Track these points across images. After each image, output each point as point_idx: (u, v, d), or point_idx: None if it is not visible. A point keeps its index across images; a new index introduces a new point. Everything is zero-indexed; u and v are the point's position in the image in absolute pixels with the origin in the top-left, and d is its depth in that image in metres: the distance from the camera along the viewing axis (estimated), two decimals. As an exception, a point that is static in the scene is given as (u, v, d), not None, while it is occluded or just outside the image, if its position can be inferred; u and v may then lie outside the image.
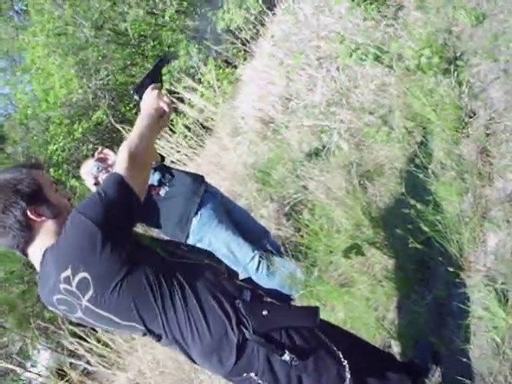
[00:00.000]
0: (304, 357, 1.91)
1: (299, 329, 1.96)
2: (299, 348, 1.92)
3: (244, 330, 1.87)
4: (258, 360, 1.89)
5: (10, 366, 7.23)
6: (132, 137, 1.96)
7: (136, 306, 1.87)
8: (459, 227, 2.71)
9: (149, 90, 2.17)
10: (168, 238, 3.45)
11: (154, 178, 3.53)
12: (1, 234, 1.88)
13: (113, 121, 7.84)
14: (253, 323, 1.87)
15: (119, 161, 1.90)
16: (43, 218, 1.89)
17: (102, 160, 3.52)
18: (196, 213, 3.53)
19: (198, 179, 3.72)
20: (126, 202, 1.86)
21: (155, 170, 3.56)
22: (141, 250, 1.93)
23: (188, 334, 1.90)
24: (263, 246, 3.68)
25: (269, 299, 2.05)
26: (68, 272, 1.81)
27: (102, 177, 3.46)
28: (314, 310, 1.99)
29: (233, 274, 2.16)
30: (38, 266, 1.93)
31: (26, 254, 1.96)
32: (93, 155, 3.68)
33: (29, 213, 1.86)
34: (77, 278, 1.80)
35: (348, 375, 1.97)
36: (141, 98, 2.20)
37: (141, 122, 2.04)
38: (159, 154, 3.83)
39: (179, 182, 3.60)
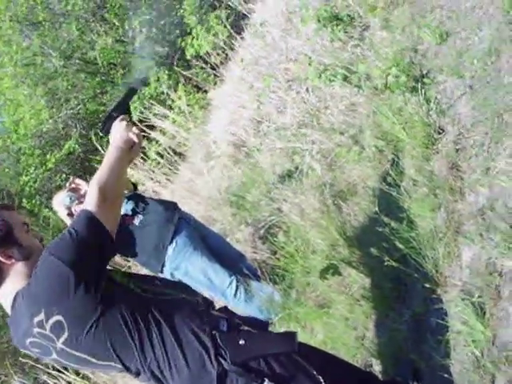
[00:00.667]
0: (285, 382, 1.89)
1: (277, 355, 1.93)
2: (278, 376, 1.89)
3: (222, 360, 1.85)
4: None
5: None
6: (101, 171, 1.95)
7: (112, 345, 1.84)
8: (434, 243, 2.72)
9: (117, 121, 2.14)
10: (142, 273, 3.43)
11: (128, 208, 3.50)
12: None
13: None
14: (230, 353, 1.85)
15: (89, 197, 1.89)
16: (13, 261, 1.86)
17: (74, 190, 3.48)
18: (171, 241, 3.50)
19: (171, 206, 3.70)
20: (97, 239, 1.85)
21: (128, 199, 3.53)
22: (115, 287, 1.90)
23: (166, 369, 1.87)
24: (240, 271, 3.66)
25: (246, 327, 2.02)
26: (41, 316, 1.78)
27: (75, 207, 3.42)
28: (292, 336, 1.98)
29: (209, 305, 2.13)
30: (8, 310, 1.89)
31: None
32: (65, 186, 3.63)
33: None
34: (50, 322, 1.77)
35: None
36: (108, 131, 2.17)
37: (110, 156, 2.02)
38: (132, 183, 3.81)
39: (153, 210, 3.57)
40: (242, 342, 1.88)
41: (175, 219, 3.58)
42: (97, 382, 5.23)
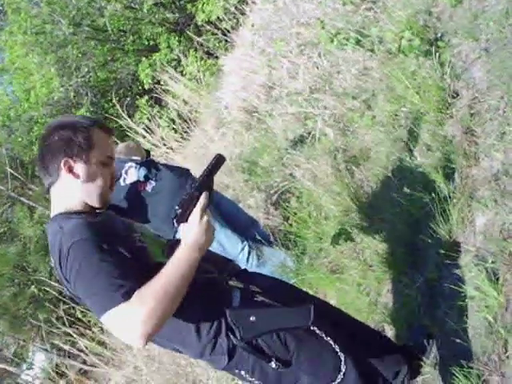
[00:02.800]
0: (293, 362, 1.90)
1: (292, 329, 1.92)
2: (289, 352, 1.90)
3: (232, 337, 1.85)
4: (248, 362, 1.88)
5: (8, 368, 7.20)
6: (154, 297, 1.59)
7: None
8: (447, 208, 2.70)
9: (197, 215, 1.74)
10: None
11: (140, 174, 3.51)
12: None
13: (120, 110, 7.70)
14: (240, 331, 1.84)
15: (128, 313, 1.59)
16: (71, 175, 1.85)
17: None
18: None
19: (184, 173, 3.70)
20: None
21: (141, 165, 3.54)
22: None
23: (179, 342, 1.89)
24: (252, 236, 3.67)
25: (260, 298, 1.98)
26: (52, 261, 1.81)
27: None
28: (308, 310, 1.91)
29: (228, 273, 2.06)
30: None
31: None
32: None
33: (61, 162, 1.83)
34: (57, 272, 1.80)
35: (344, 367, 1.95)
36: (183, 220, 1.74)
37: (176, 271, 1.66)
38: (145, 150, 3.82)
39: (165, 176, 3.57)
40: (252, 318, 1.85)
41: (188, 186, 3.58)
42: (112, 347, 5.32)
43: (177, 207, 1.73)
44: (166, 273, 1.64)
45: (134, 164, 3.56)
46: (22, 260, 8.43)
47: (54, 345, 6.40)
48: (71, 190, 1.86)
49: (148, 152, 3.81)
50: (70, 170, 1.83)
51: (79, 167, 1.84)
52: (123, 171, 3.54)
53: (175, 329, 1.86)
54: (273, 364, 1.87)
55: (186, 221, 1.72)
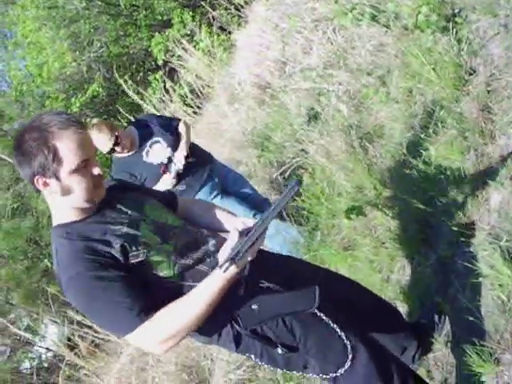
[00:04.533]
0: (300, 347, 1.89)
1: (297, 314, 1.90)
2: (295, 337, 1.89)
3: (236, 325, 1.85)
4: (255, 348, 1.88)
5: (23, 334, 7.27)
6: (172, 321, 1.71)
7: None
8: (462, 186, 2.68)
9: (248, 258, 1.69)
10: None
11: (166, 155, 3.52)
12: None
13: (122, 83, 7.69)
14: (242, 319, 1.84)
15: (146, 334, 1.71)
16: (48, 189, 1.79)
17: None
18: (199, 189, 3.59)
19: (205, 158, 3.72)
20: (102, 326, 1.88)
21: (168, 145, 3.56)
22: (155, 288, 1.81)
23: None
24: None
25: (266, 284, 1.94)
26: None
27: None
28: (312, 293, 1.87)
29: None
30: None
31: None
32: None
33: (35, 180, 1.77)
34: None
35: (350, 354, 1.94)
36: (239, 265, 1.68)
37: (204, 298, 1.71)
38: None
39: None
40: (254, 306, 1.84)
41: (204, 178, 3.60)
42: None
43: (234, 249, 1.64)
44: (190, 304, 1.71)
45: (161, 140, 3.54)
46: (34, 234, 8.51)
47: (66, 317, 6.46)
48: (55, 203, 1.83)
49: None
50: (46, 185, 1.77)
51: (53, 183, 1.76)
52: (148, 143, 3.52)
53: None
54: (279, 350, 1.86)
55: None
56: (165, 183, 3.49)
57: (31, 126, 1.77)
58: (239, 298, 1.85)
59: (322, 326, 1.93)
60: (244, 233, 1.69)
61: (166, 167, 3.50)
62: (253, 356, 1.92)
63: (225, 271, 1.65)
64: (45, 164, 1.73)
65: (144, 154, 3.53)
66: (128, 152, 3.54)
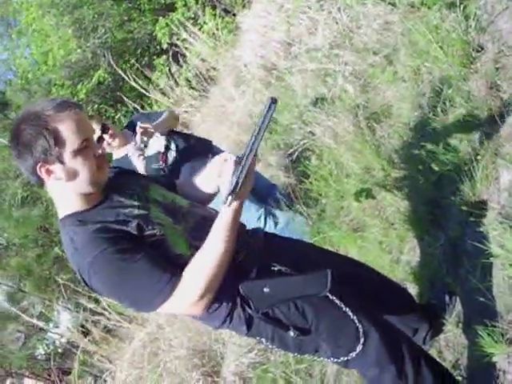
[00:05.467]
0: (312, 330, 1.88)
1: (308, 297, 1.89)
2: (307, 320, 1.87)
3: (247, 308, 1.85)
4: (266, 331, 1.88)
5: (36, 322, 7.33)
6: (198, 278, 1.73)
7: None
8: (471, 165, 2.65)
9: (248, 187, 1.73)
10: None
11: (161, 144, 3.48)
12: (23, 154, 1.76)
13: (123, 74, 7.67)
14: (254, 302, 1.83)
15: (179, 291, 1.72)
16: (53, 176, 1.77)
17: (145, 133, 3.41)
18: None
19: (205, 144, 3.66)
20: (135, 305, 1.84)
21: (162, 134, 3.50)
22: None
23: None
24: (273, 199, 3.66)
25: (277, 267, 1.94)
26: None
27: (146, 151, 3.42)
28: (324, 277, 1.87)
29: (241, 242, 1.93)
30: None
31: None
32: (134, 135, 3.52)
33: (37, 168, 1.75)
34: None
35: (362, 338, 1.93)
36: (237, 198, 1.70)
37: (220, 246, 1.73)
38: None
39: (186, 147, 3.53)
40: (266, 289, 1.83)
41: (207, 159, 3.53)
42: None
43: (232, 182, 1.66)
44: (207, 254, 1.73)
45: (157, 134, 3.51)
46: (44, 222, 8.53)
47: (78, 304, 6.51)
48: (61, 191, 1.81)
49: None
50: (49, 173, 1.75)
51: (57, 169, 1.75)
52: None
53: None
54: (291, 333, 1.85)
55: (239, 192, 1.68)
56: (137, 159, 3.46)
57: (26, 116, 1.76)
58: (250, 280, 1.86)
59: (334, 310, 1.92)
60: (237, 162, 1.70)
61: (164, 155, 3.48)
62: (263, 340, 1.91)
63: (229, 205, 1.68)
64: (47, 148, 1.71)
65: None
66: (119, 146, 3.52)
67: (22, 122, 1.75)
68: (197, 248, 1.78)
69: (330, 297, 1.91)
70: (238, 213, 1.73)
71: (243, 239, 1.93)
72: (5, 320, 7.94)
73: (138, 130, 3.34)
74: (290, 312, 1.87)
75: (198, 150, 3.54)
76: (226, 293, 1.83)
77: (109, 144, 3.46)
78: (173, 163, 3.46)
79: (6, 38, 12.98)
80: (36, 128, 1.71)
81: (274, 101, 1.66)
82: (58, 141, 1.72)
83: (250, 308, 1.84)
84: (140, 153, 3.36)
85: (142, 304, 1.78)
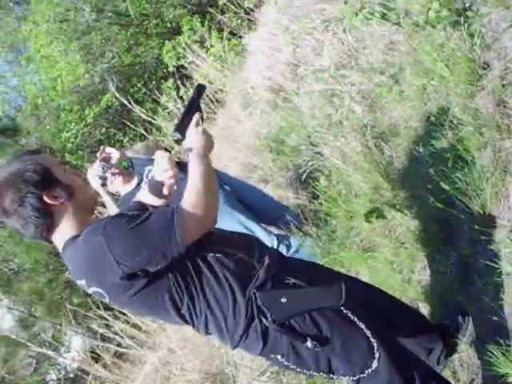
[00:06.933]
0: (328, 342, 1.87)
1: (323, 310, 1.90)
2: (323, 333, 1.87)
3: (264, 319, 1.84)
4: (282, 345, 1.87)
5: (46, 351, 7.32)
6: (194, 197, 1.86)
7: (155, 309, 1.91)
8: (480, 183, 2.65)
9: (192, 126, 2.01)
10: None
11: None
12: (23, 227, 1.87)
13: (125, 101, 7.76)
14: (271, 312, 1.83)
15: (188, 204, 1.83)
16: (60, 201, 1.87)
17: (106, 159, 3.38)
18: None
19: None
20: (162, 248, 1.79)
21: None
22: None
23: (213, 328, 1.89)
24: (283, 223, 3.64)
25: (292, 280, 1.96)
26: (83, 282, 1.83)
27: (110, 177, 3.37)
28: (338, 289, 1.91)
29: (252, 251, 2.03)
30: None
31: (50, 242, 1.95)
32: (96, 156, 3.52)
33: (45, 198, 1.84)
34: (91, 289, 1.83)
35: (377, 353, 1.92)
36: (183, 135, 2.02)
37: (197, 170, 1.92)
38: (164, 148, 3.78)
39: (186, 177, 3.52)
40: (283, 300, 1.85)
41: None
42: (146, 330, 5.37)
43: (174, 126, 2.05)
44: (191, 181, 1.90)
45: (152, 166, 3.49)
46: (54, 247, 8.56)
47: (89, 328, 6.49)
48: (65, 213, 1.90)
49: (167, 151, 3.76)
50: (54, 198, 1.87)
51: (58, 190, 1.89)
52: (144, 175, 3.48)
53: (211, 318, 1.87)
54: (308, 343, 1.84)
55: (184, 136, 2.00)
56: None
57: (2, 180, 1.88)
58: (267, 291, 1.88)
59: (348, 324, 1.93)
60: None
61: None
62: (279, 356, 1.90)
63: (178, 140, 2.02)
64: (43, 176, 1.86)
65: (143, 185, 3.50)
66: (124, 182, 3.52)
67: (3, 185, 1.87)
68: None
69: (344, 311, 1.93)
70: (199, 153, 1.95)
71: (260, 254, 2.00)
72: (16, 345, 7.93)
73: (99, 155, 3.34)
74: (305, 324, 1.87)
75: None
76: (242, 303, 1.85)
77: (111, 182, 3.46)
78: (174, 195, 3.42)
79: (16, 65, 13.13)
80: (17, 172, 1.86)
81: (201, 87, 2.19)
82: (46, 166, 1.89)
83: (267, 319, 1.84)
84: (101, 182, 3.29)
85: (167, 244, 1.77)
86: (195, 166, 1.92)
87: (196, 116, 2.04)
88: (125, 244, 1.75)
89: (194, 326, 1.92)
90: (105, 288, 1.80)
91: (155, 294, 1.83)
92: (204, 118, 2.15)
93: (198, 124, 2.02)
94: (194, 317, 1.88)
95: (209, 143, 1.99)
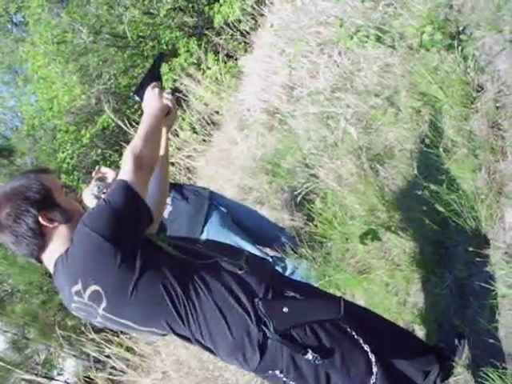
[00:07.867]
0: (328, 355, 1.86)
1: (323, 323, 1.90)
2: (323, 345, 1.87)
3: (265, 329, 1.83)
4: (282, 358, 1.85)
5: (37, 379, 7.24)
6: (135, 140, 1.94)
7: (153, 312, 1.85)
8: (475, 205, 2.65)
9: (149, 89, 2.19)
10: (182, 236, 3.35)
11: None
12: (14, 243, 1.87)
13: (121, 123, 7.79)
14: (273, 322, 1.82)
15: (124, 166, 1.87)
16: (55, 224, 1.87)
17: (101, 179, 3.37)
18: (202, 231, 3.45)
19: (201, 195, 3.62)
20: (133, 208, 1.83)
21: None
22: (153, 253, 1.89)
23: (209, 336, 1.87)
24: (279, 245, 3.64)
25: (291, 293, 1.97)
26: (78, 286, 1.80)
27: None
28: (337, 301, 1.94)
29: (256, 266, 2.04)
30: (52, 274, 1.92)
31: (40, 261, 1.95)
32: (91, 176, 3.50)
33: (40, 219, 1.84)
34: (88, 291, 1.79)
35: (375, 368, 1.92)
36: (142, 98, 2.21)
37: (144, 124, 2.04)
38: None
39: (182, 200, 3.50)
40: (285, 309, 1.86)
41: (205, 208, 3.49)
42: (140, 353, 5.33)
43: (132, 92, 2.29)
44: (140, 129, 2.01)
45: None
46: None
47: (82, 351, 6.43)
48: (60, 235, 1.89)
49: None
50: (51, 220, 1.87)
51: (55, 213, 1.89)
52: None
53: (207, 323, 1.85)
54: (309, 355, 1.83)
55: (142, 99, 2.20)
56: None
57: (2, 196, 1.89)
58: (268, 300, 1.87)
59: (347, 338, 1.94)
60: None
61: None
62: (277, 372, 1.88)
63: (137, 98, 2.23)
64: (44, 196, 1.87)
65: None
66: None
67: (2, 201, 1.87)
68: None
69: (343, 325, 1.93)
70: (151, 111, 2.09)
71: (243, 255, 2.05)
72: (8, 368, 7.84)
73: (94, 174, 3.31)
74: (306, 335, 1.87)
75: (192, 203, 3.50)
76: (241, 312, 1.85)
77: None
78: (169, 218, 3.41)
79: (13, 86, 13.19)
80: (20, 189, 1.87)
81: (162, 55, 2.37)
82: (47, 186, 1.90)
83: (268, 328, 1.83)
84: (96, 202, 3.18)
85: (136, 200, 1.85)
86: (143, 122, 2.05)
87: (154, 83, 2.21)
88: (105, 218, 1.78)
89: (190, 331, 1.90)
90: (103, 284, 1.79)
91: (154, 296, 1.83)
92: (164, 87, 2.36)
93: (154, 87, 2.19)
94: (187, 325, 1.88)
95: (164, 107, 2.14)
